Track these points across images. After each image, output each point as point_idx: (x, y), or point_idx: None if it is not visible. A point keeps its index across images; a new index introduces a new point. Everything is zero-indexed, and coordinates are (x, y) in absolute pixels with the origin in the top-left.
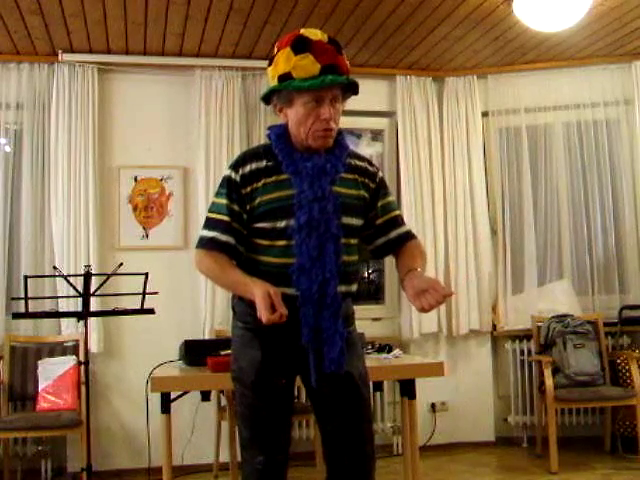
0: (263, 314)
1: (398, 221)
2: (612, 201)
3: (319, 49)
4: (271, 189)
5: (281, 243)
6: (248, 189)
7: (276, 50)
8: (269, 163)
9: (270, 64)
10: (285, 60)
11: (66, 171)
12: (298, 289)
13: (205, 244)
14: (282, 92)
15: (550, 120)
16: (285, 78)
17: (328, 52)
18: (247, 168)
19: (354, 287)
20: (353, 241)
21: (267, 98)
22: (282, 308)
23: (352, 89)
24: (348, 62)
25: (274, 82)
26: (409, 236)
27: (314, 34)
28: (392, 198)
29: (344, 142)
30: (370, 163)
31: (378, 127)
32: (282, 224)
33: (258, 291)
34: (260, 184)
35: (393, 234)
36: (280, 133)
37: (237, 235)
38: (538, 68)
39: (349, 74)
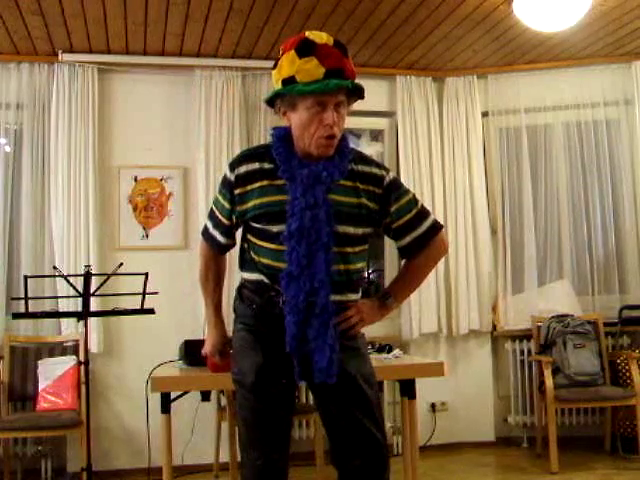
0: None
1: (414, 224)
2: (612, 201)
3: (324, 52)
4: (265, 192)
5: (273, 246)
6: (240, 190)
7: (281, 53)
8: (266, 165)
9: (275, 67)
10: (289, 64)
11: (66, 171)
12: (285, 296)
13: (203, 232)
14: (286, 96)
15: (550, 120)
16: (289, 82)
17: (333, 55)
18: (242, 169)
19: (353, 296)
20: (351, 249)
21: (271, 101)
22: (216, 358)
23: (357, 93)
24: (354, 66)
25: (278, 85)
26: (426, 238)
27: (319, 37)
28: (407, 198)
29: (346, 148)
30: (378, 166)
31: (378, 127)
32: (274, 229)
33: (206, 346)
34: (256, 186)
35: (407, 239)
36: (282, 136)
37: (225, 231)
38: (538, 68)
39: (354, 78)
